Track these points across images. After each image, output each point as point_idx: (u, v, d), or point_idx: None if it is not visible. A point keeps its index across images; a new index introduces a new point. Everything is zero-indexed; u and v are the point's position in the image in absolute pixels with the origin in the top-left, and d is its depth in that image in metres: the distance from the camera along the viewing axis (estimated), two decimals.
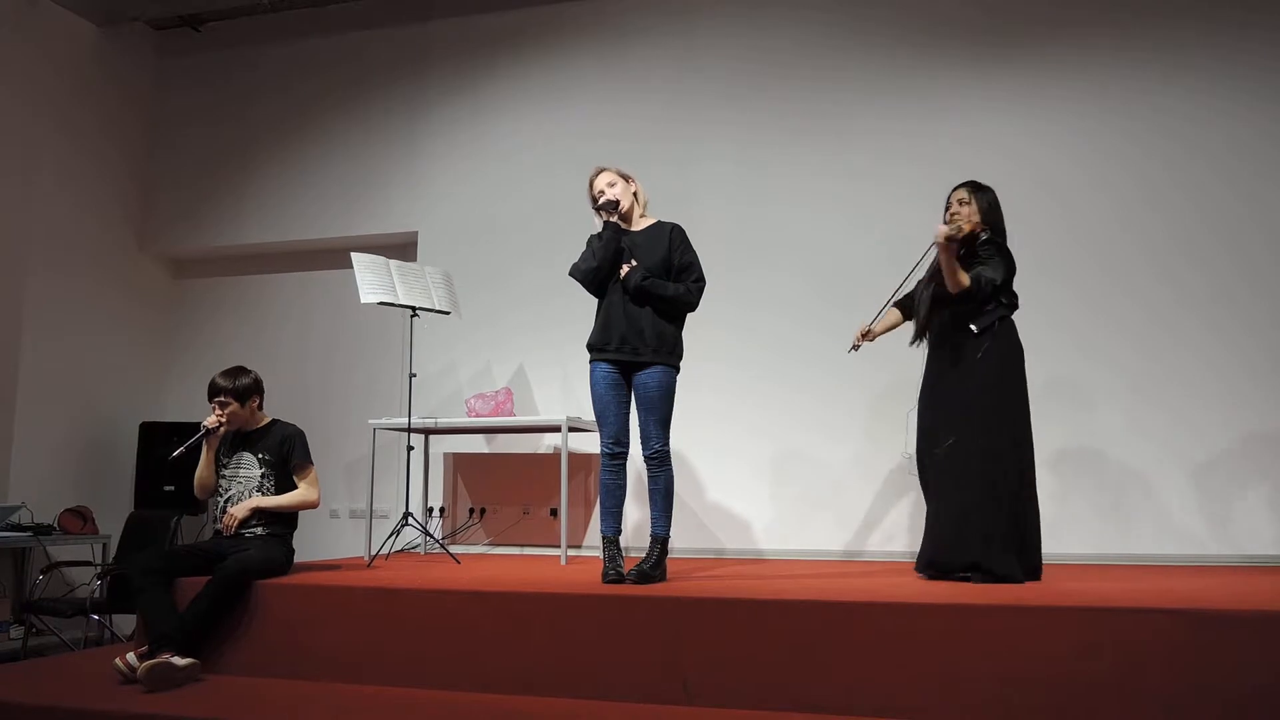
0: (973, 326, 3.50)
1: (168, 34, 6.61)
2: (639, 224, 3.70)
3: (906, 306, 3.86)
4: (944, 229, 3.43)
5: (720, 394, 5.07)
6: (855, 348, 3.88)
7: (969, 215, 3.58)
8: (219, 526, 3.76)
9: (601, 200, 3.61)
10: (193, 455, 3.78)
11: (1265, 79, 4.73)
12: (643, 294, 3.53)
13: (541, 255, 5.35)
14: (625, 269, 3.54)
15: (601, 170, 3.71)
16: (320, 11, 6.28)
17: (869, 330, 3.85)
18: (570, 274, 3.67)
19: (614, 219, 3.59)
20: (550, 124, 5.72)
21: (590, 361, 3.63)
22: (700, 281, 3.63)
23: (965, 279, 3.44)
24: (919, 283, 3.76)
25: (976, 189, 3.65)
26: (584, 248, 3.70)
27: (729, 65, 5.47)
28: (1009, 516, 3.42)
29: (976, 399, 3.46)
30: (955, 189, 3.70)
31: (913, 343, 3.78)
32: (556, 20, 5.86)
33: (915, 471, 3.67)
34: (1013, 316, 3.59)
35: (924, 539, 3.62)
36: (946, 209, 3.69)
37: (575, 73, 5.77)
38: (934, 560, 3.50)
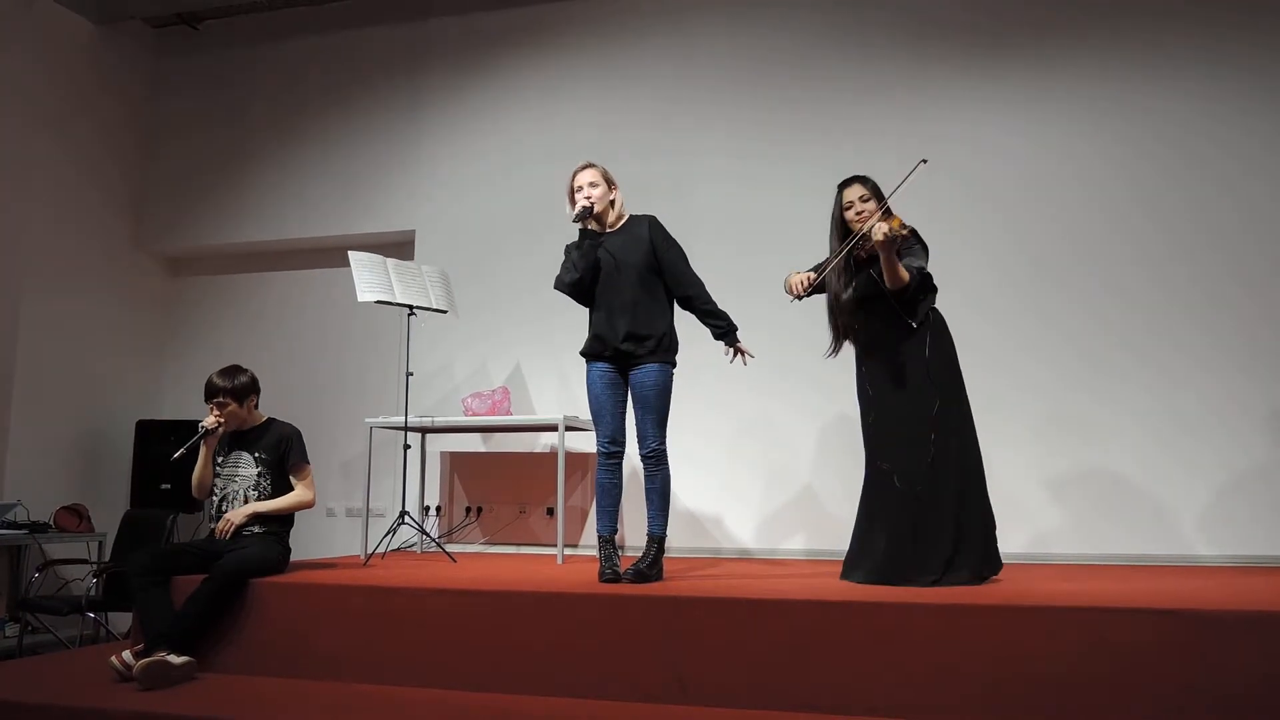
0: (913, 323, 3.41)
1: (165, 32, 6.60)
2: (614, 226, 3.66)
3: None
4: (884, 228, 3.20)
5: (718, 393, 5.06)
6: (799, 297, 3.49)
7: (874, 210, 3.44)
8: (214, 527, 3.74)
9: (576, 212, 3.57)
10: (191, 455, 3.77)
11: (1261, 80, 4.74)
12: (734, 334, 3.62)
13: (539, 255, 5.32)
14: (741, 356, 3.62)
15: (587, 166, 3.66)
16: (318, 10, 6.27)
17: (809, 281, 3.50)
18: (555, 288, 3.66)
19: (590, 226, 3.59)
20: (549, 123, 5.72)
21: (586, 361, 3.64)
22: (699, 281, 3.65)
23: (906, 274, 3.31)
24: (831, 290, 3.53)
25: (865, 181, 3.52)
26: (564, 257, 3.67)
27: (728, 65, 5.47)
28: (986, 513, 3.41)
29: (937, 398, 3.36)
30: (848, 185, 3.53)
31: (832, 353, 3.59)
32: (556, 19, 5.86)
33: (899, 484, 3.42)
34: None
35: (900, 549, 3.31)
36: (846, 207, 3.51)
37: (574, 71, 5.77)
38: (918, 571, 3.25)
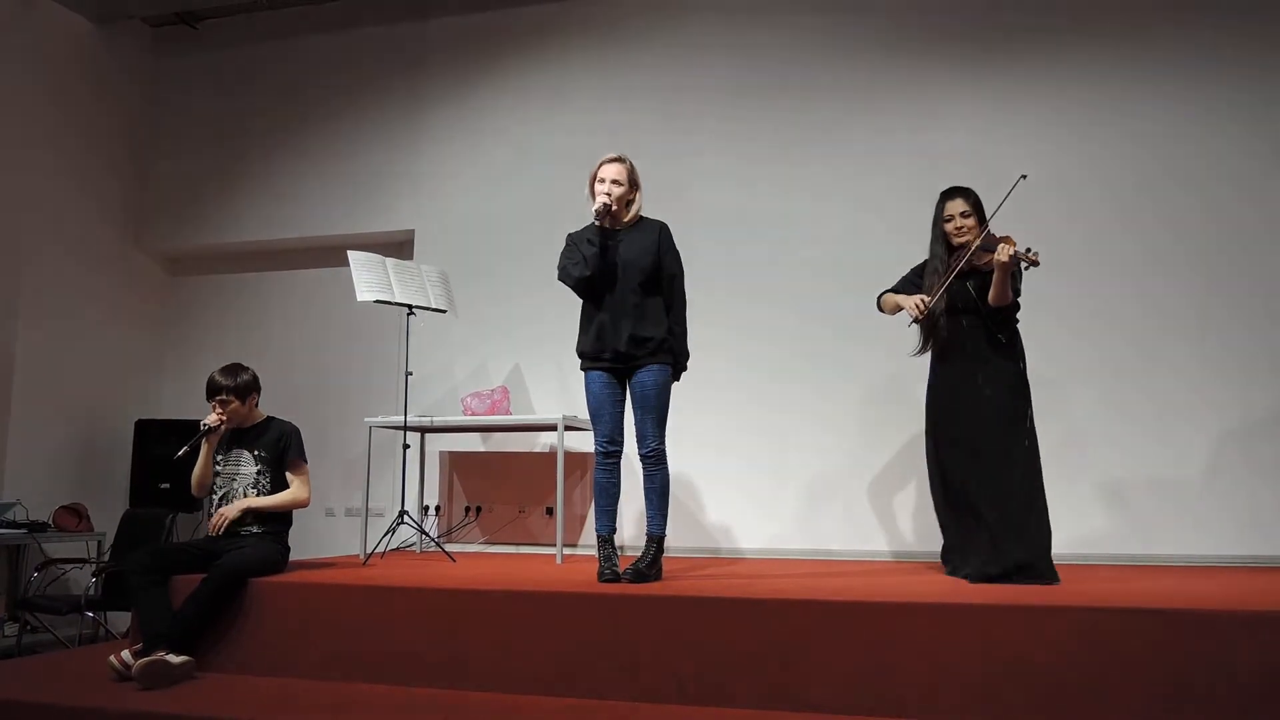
0: (1001, 337, 3.49)
1: (164, 31, 6.60)
2: (625, 225, 3.63)
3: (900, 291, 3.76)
4: (1010, 250, 3.28)
5: (717, 391, 5.06)
6: (919, 318, 3.55)
7: (973, 226, 3.54)
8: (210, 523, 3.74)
9: (596, 208, 3.53)
10: (193, 453, 3.77)
11: (1263, 77, 4.74)
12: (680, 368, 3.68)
13: (538, 254, 5.31)
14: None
15: (616, 160, 3.59)
16: (317, 9, 6.27)
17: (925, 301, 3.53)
18: (560, 279, 3.62)
19: (605, 224, 3.55)
20: (548, 122, 5.72)
21: (585, 361, 3.63)
22: (684, 300, 3.67)
23: (1012, 295, 3.41)
24: (930, 291, 3.59)
25: (967, 194, 3.58)
26: (564, 245, 3.64)
27: (728, 66, 5.46)
28: (1043, 521, 3.49)
29: (1015, 406, 3.46)
30: (951, 197, 3.60)
31: (920, 353, 3.70)
32: (555, 19, 5.85)
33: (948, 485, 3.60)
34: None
35: (975, 547, 3.46)
36: (946, 220, 3.59)
37: (573, 71, 5.76)
38: (1000, 566, 3.36)
